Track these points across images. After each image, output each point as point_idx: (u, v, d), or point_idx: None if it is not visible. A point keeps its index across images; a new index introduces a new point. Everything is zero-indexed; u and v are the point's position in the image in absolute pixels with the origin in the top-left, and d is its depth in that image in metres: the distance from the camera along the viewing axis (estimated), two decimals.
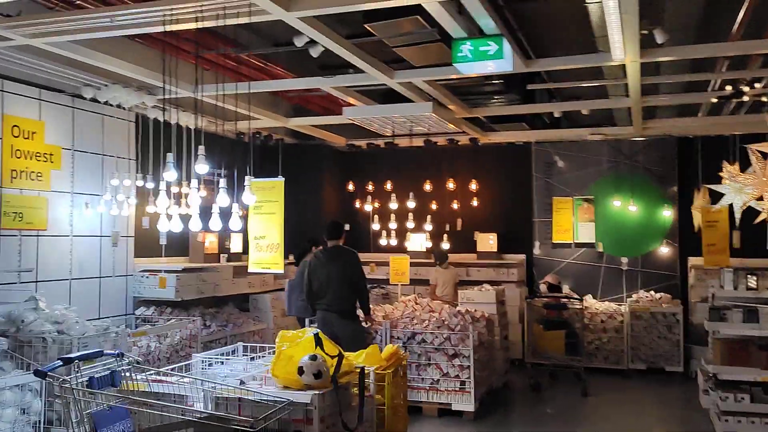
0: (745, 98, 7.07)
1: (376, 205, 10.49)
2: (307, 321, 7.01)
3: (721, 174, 8.17)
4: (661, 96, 7.91)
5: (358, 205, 10.76)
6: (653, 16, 5.73)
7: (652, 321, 9.30)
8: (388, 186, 10.25)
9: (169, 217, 4.77)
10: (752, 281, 6.33)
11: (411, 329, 6.94)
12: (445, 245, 9.63)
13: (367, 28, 5.95)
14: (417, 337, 6.93)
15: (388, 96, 8.22)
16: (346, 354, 4.23)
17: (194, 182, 4.62)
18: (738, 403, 6.07)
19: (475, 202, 10.68)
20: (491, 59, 5.01)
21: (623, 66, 7.17)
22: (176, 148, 5.75)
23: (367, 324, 6.89)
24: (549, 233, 10.40)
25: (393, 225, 9.99)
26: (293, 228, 10.29)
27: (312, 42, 5.65)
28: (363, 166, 11.29)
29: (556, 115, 9.31)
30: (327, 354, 3.80)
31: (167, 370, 3.77)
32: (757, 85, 6.94)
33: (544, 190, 10.51)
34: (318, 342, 3.80)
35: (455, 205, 10.61)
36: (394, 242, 9.95)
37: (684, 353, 9.14)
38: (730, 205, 6.86)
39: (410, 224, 9.76)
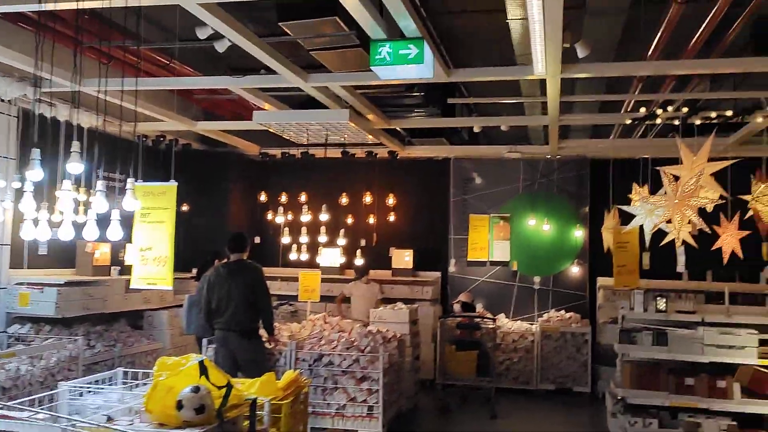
0: (658, 120, 7.12)
1: (289, 217, 10.05)
2: (205, 341, 6.47)
3: (631, 196, 8.25)
4: (579, 115, 7.91)
5: (270, 216, 10.28)
6: (574, 33, 5.64)
7: (561, 341, 9.28)
8: (303, 198, 9.84)
9: (36, 222, 4.18)
10: (661, 303, 6.30)
11: (318, 351, 6.52)
12: (359, 261, 9.28)
13: (282, 27, 5.58)
14: (324, 359, 6.52)
15: (307, 105, 7.85)
16: (238, 383, 3.79)
17: (66, 183, 4.06)
18: (647, 428, 6.00)
19: (392, 217, 10.42)
20: (411, 63, 4.72)
21: (541, 84, 7.10)
22: (63, 146, 5.16)
23: (270, 345, 6.42)
24: (464, 251, 10.26)
25: (305, 239, 9.56)
26: (198, 240, 9.73)
27: (217, 35, 5.19)
28: (276, 176, 10.82)
29: (476, 130, 9.19)
30: (213, 384, 3.33)
31: (17, 403, 3.20)
32: (669, 108, 7.01)
33: (461, 206, 10.38)
34: (203, 371, 3.33)
35: (371, 220, 10.31)
36: (305, 257, 9.52)
37: (591, 373, 9.15)
38: (641, 227, 6.85)
39: (323, 238, 9.35)
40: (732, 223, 7.73)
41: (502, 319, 9.75)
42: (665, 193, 6.48)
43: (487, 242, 10.12)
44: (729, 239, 7.80)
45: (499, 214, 10.15)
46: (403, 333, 7.80)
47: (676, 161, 6.53)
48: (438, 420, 7.80)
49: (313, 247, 9.73)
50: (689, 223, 7.05)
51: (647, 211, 6.61)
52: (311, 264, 9.77)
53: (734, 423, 5.78)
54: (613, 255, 7.39)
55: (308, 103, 7.74)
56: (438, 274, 10.39)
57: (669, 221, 6.57)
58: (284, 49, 6.45)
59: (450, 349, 8.24)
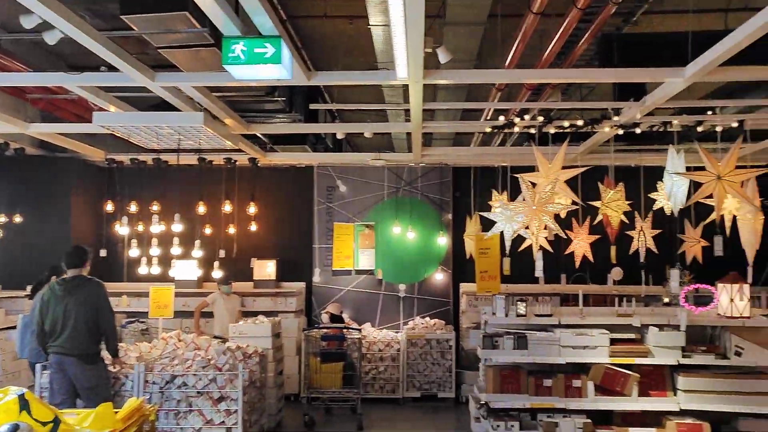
0: (516, 129, 7.32)
1: (140, 228, 9.34)
2: (39, 366, 5.76)
3: (491, 203, 8.46)
4: (441, 122, 7.98)
5: (117, 227, 9.50)
6: (436, 40, 5.63)
7: (426, 348, 9.31)
8: (154, 207, 9.17)
9: None
10: (522, 308, 6.43)
11: (170, 372, 6.02)
12: (217, 273, 8.79)
13: (124, 20, 5.09)
14: (177, 380, 6.03)
15: (159, 108, 7.30)
16: (73, 413, 3.32)
17: None
18: (509, 431, 6.06)
19: (253, 227, 10.01)
20: (267, 63, 4.44)
21: (403, 92, 7.07)
22: None
23: (114, 368, 5.84)
24: (329, 260, 10.07)
25: (156, 251, 8.92)
26: (35, 254, 8.80)
27: (47, 26, 4.63)
28: (125, 184, 10.05)
29: (339, 136, 9.05)
30: (36, 420, 2.88)
31: None
32: (526, 116, 7.22)
33: (325, 215, 10.18)
34: (23, 405, 2.86)
35: (231, 230, 9.83)
36: (157, 270, 8.88)
37: (456, 378, 9.26)
38: (501, 233, 6.99)
39: (177, 250, 8.76)
40: (583, 228, 8.15)
41: (368, 329, 9.65)
42: (524, 199, 6.65)
43: (352, 251, 10.00)
44: (581, 244, 8.23)
45: (364, 222, 10.07)
46: (266, 347, 7.46)
47: (532, 169, 6.74)
48: None
49: (167, 260, 9.11)
50: (545, 228, 7.31)
51: (507, 217, 6.75)
52: (164, 278, 9.14)
53: (589, 420, 5.97)
54: (476, 261, 7.50)
55: (161, 106, 7.22)
56: (302, 284, 10.12)
57: (527, 227, 6.77)
58: (130, 46, 5.93)
59: (315, 362, 7.99)
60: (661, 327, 6.10)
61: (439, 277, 9.96)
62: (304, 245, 10.21)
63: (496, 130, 7.56)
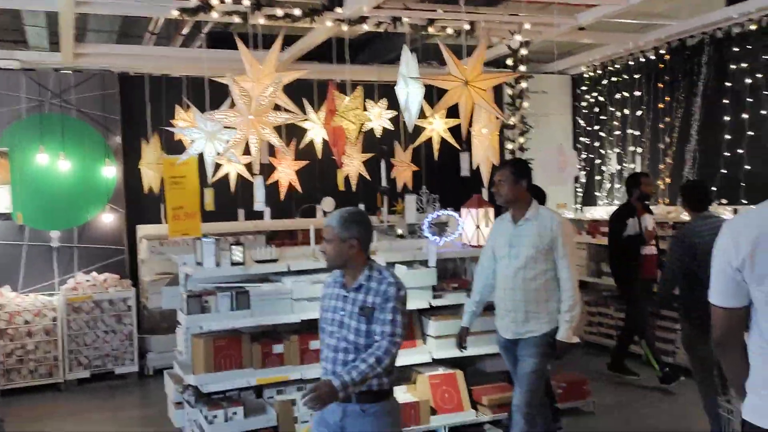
0: (214, 14, 5.45)
1: None
2: None
3: (174, 121, 6.58)
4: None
5: None
6: None
7: (96, 312, 7.12)
8: None
9: None
10: (238, 253, 4.79)
11: None
12: None
13: None
14: None
15: None
16: None
17: None
18: (231, 421, 4.48)
19: None
20: None
21: None
22: None
23: None
24: None
25: None
26: None
27: None
28: None
29: None
30: None
31: None
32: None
33: None
34: None
35: None
36: None
37: (138, 347, 7.29)
38: (201, 157, 5.23)
39: None
40: (289, 153, 6.84)
41: (7, 294, 7.03)
42: (236, 108, 4.98)
43: None
44: (286, 171, 6.97)
45: None
46: None
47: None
48: None
49: None
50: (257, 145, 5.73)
51: (209, 133, 5.02)
52: None
53: None
54: (166, 194, 5.57)
55: None
56: None
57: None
58: None
59: None
60: (409, 265, 5.06)
61: (108, 218, 7.67)
62: None
63: (184, 17, 5.59)
